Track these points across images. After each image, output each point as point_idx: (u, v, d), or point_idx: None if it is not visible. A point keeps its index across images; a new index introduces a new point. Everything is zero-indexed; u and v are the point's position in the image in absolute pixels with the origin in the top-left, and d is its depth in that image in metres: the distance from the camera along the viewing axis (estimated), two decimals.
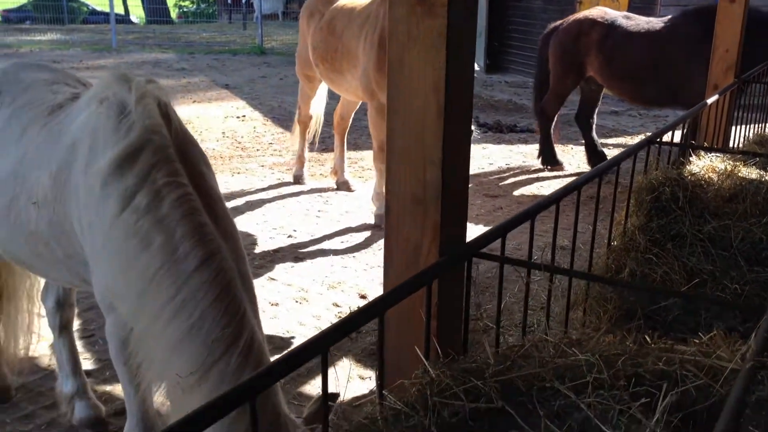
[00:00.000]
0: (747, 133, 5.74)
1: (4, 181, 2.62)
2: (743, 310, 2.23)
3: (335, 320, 4.41)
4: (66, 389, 3.32)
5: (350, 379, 3.78)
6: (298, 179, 7.19)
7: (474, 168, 7.48)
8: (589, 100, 7.90)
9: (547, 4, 14.01)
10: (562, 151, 8.22)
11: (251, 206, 6.54)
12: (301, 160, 7.22)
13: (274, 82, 13.66)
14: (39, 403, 3.50)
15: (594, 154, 7.80)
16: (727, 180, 3.40)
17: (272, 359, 1.83)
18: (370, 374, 3.74)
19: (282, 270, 5.14)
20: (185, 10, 33.19)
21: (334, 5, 6.33)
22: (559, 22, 8.01)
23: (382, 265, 5.41)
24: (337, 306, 4.63)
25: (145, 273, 2.02)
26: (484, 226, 5.91)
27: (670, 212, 3.04)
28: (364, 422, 1.53)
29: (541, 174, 7.89)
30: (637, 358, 1.69)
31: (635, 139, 9.39)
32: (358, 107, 7.13)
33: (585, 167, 7.96)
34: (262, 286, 4.81)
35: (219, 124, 9.80)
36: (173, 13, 31.49)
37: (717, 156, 3.75)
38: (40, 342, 3.76)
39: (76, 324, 3.67)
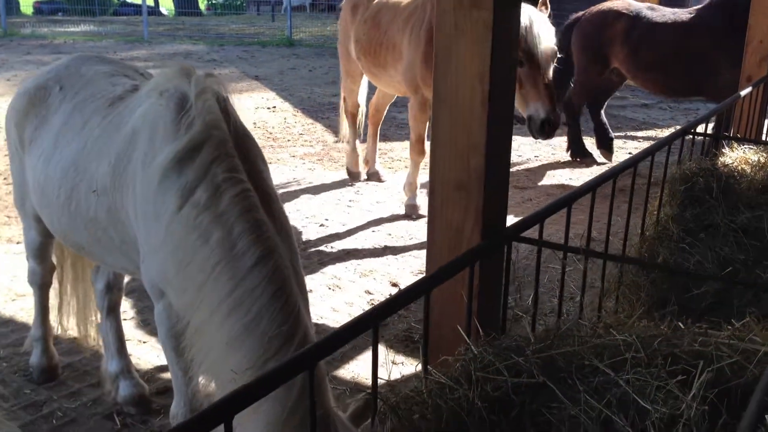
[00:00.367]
0: None
1: (66, 172, 2.70)
2: None
3: (367, 307, 4.51)
4: (111, 368, 3.44)
5: (382, 365, 3.86)
6: (353, 175, 7.04)
7: None
8: (606, 89, 7.92)
9: None
10: (591, 143, 8.22)
11: (283, 196, 6.64)
12: (354, 153, 7.05)
13: (303, 74, 13.76)
14: (85, 382, 3.62)
15: (604, 135, 7.84)
16: (760, 171, 3.43)
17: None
18: (402, 359, 3.82)
19: (315, 258, 5.24)
20: (214, 2, 33.45)
21: None
22: (581, 13, 8.01)
23: (412, 253, 5.49)
24: (369, 293, 4.71)
25: (204, 267, 2.05)
26: (515, 216, 5.96)
27: (704, 202, 3.07)
28: (411, 394, 1.61)
29: (570, 166, 7.90)
30: (672, 339, 1.75)
31: (665, 132, 9.36)
32: (393, 100, 7.13)
33: (615, 160, 7.96)
34: None
35: (250, 114, 9.93)
36: (202, 5, 31.76)
37: (750, 148, 3.77)
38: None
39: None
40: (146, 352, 3.88)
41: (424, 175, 7.30)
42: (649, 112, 11.04)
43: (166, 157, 2.22)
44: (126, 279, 3.62)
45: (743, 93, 4.32)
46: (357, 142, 7.10)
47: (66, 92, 2.94)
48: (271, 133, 8.94)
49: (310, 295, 4.56)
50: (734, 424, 1.37)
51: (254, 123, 9.40)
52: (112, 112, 2.69)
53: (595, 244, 4.14)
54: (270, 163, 8.27)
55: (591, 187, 2.29)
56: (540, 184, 7.26)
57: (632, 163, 2.67)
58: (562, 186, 7.13)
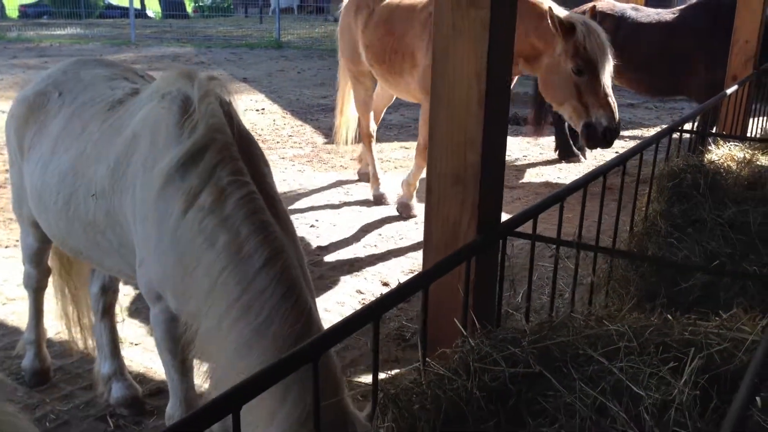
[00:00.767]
0: (764, 124, 5.82)
1: (64, 177, 2.70)
2: (764, 279, 2.33)
3: (359, 306, 4.54)
4: (104, 370, 3.44)
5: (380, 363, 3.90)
6: (379, 199, 6.48)
7: None
8: None
9: None
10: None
11: None
12: (376, 178, 6.54)
13: (292, 76, 13.79)
14: (77, 384, 3.62)
15: (566, 143, 7.94)
16: (746, 168, 3.50)
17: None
18: (396, 357, 3.86)
19: (306, 257, 5.26)
20: (201, 4, 33.39)
21: (387, 1, 5.93)
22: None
23: (403, 253, 5.51)
24: (360, 293, 4.75)
25: (211, 272, 2.04)
26: (505, 214, 6.01)
27: (691, 198, 3.14)
28: (410, 385, 1.65)
29: (558, 165, 7.97)
30: (663, 329, 1.80)
31: (651, 131, 9.45)
32: (392, 102, 6.98)
33: (601, 159, 8.04)
34: None
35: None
36: (189, 8, 31.71)
37: (736, 145, 3.84)
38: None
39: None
40: (138, 353, 3.89)
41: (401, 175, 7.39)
42: (635, 112, 11.16)
43: (169, 161, 2.21)
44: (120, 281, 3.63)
45: (729, 91, 4.39)
46: (377, 165, 6.62)
47: (65, 97, 2.93)
48: (260, 135, 8.95)
49: None
50: (725, 407, 1.41)
51: None
52: (112, 116, 2.68)
53: (586, 242, 4.20)
54: None
55: (582, 183, 2.34)
56: (528, 182, 7.32)
57: (621, 160, 2.72)
58: (550, 185, 7.20)
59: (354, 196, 6.71)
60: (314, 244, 5.56)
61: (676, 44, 7.15)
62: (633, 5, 7.95)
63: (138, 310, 4.34)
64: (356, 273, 5.04)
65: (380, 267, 5.14)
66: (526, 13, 4.91)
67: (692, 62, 7.04)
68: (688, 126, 3.65)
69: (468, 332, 1.81)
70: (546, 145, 8.46)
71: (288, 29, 21.90)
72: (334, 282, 4.87)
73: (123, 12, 25.78)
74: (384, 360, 3.87)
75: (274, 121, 9.80)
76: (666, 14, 7.50)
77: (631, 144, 8.04)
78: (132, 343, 3.98)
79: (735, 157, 3.64)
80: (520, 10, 4.93)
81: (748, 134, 5.41)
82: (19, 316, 4.11)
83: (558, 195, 2.22)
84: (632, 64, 7.40)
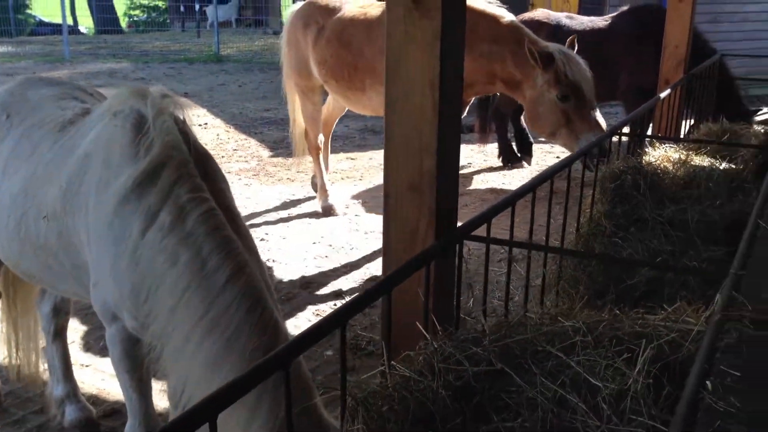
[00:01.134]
0: (696, 125, 6.06)
1: (15, 199, 2.64)
2: (705, 275, 2.45)
3: (313, 318, 4.56)
4: (57, 393, 3.38)
5: (334, 373, 3.94)
6: (328, 210, 6.48)
7: None
8: None
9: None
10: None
11: None
12: (324, 189, 6.55)
13: (233, 89, 13.69)
14: (28, 409, 3.55)
15: (524, 141, 8.11)
16: (681, 168, 3.66)
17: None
18: (354, 365, 3.89)
19: None
20: (135, 19, 32.85)
21: (338, 15, 5.79)
22: None
23: (354, 263, 5.54)
24: (313, 305, 4.76)
25: (174, 290, 2.02)
26: None
27: (632, 199, 3.27)
28: (377, 388, 1.69)
29: (502, 172, 8.14)
30: (614, 324, 1.89)
31: None
32: (344, 113, 6.89)
33: (544, 164, 8.24)
34: None
35: None
36: (123, 23, 31.15)
37: (671, 146, 4.01)
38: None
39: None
40: (89, 375, 3.83)
41: (349, 188, 7.41)
42: None
43: (125, 180, 2.19)
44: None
45: (663, 95, 4.58)
46: (326, 176, 6.65)
47: (12, 120, 2.87)
48: None
49: None
50: (676, 393, 1.50)
51: None
52: (63, 137, 2.64)
53: (536, 243, 4.32)
54: None
55: (531, 187, 2.42)
56: (475, 189, 7.45)
57: (567, 163, 2.83)
58: (495, 191, 7.35)
59: (302, 209, 6.72)
60: (264, 257, 5.54)
61: (608, 50, 7.40)
62: (567, 14, 8.21)
63: (88, 330, 4.27)
64: (309, 285, 5.05)
65: (333, 278, 5.16)
66: (502, 38, 4.91)
67: (622, 68, 7.30)
68: (626, 129, 3.79)
69: (430, 335, 1.86)
70: (490, 152, 8.62)
71: (227, 43, 21.73)
72: (287, 295, 4.88)
73: (55, 29, 25.14)
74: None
75: (217, 135, 9.73)
76: (599, 21, 7.77)
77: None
78: (83, 365, 3.91)
79: (671, 158, 3.79)
80: (496, 33, 5.01)
81: (682, 136, 5.64)
82: None
83: (509, 199, 2.30)
84: None
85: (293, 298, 4.84)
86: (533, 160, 8.28)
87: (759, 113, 7.50)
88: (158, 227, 2.10)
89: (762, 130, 4.83)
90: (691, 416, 1.23)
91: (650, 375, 1.57)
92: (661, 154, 3.84)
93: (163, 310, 2.05)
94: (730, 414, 1.20)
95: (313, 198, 6.97)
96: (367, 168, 8.01)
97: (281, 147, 9.01)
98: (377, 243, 5.79)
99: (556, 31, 7.65)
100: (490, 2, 5.06)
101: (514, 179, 7.80)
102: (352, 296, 1.66)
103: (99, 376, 3.80)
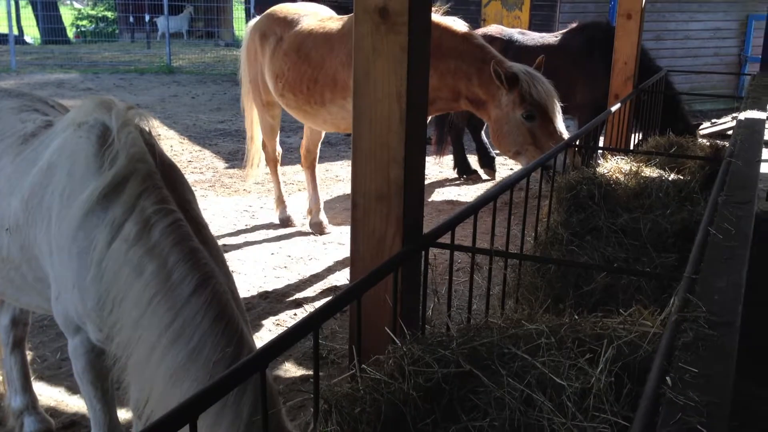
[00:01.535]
0: (640, 138, 6.27)
1: None
2: (662, 279, 2.55)
3: (274, 328, 4.56)
4: (15, 405, 3.33)
5: (294, 382, 3.95)
6: (285, 222, 6.51)
7: None
8: None
9: None
10: (475, 161, 8.62)
11: None
12: (281, 201, 6.57)
13: (186, 101, 13.58)
14: None
15: (485, 154, 8.26)
16: (632, 179, 3.79)
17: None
18: (319, 373, 3.90)
19: None
20: (83, 29, 32.26)
21: (297, 28, 5.68)
22: None
23: (313, 273, 5.55)
24: (274, 315, 4.77)
25: (140, 301, 2.01)
26: None
27: (587, 208, 3.38)
28: (349, 391, 1.72)
29: (457, 183, 8.26)
30: (576, 327, 1.96)
31: None
32: (323, 137, 6.65)
33: (498, 176, 8.39)
34: None
35: None
36: (70, 33, 30.54)
37: (622, 158, 4.15)
38: None
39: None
40: (47, 387, 3.77)
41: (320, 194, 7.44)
42: None
43: (91, 192, 2.18)
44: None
45: (613, 109, 4.74)
46: (281, 188, 6.65)
47: None
48: None
49: None
50: (637, 390, 1.57)
51: None
52: (25, 150, 2.60)
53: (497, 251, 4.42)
54: None
55: (493, 196, 2.49)
56: (431, 201, 7.54)
57: (525, 174, 2.91)
58: (452, 202, 7.45)
59: (260, 220, 6.71)
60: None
61: (559, 66, 7.59)
62: (519, 30, 8.40)
63: (45, 342, 4.20)
64: (268, 295, 5.05)
65: (292, 288, 5.17)
66: (468, 56, 4.87)
67: (572, 83, 7.49)
68: (579, 141, 3.92)
69: (399, 338, 1.91)
70: (444, 164, 8.73)
71: (178, 54, 21.53)
72: (246, 306, 4.86)
73: (0, 38, 24.54)
74: (303, 378, 3.92)
75: (171, 147, 9.63)
76: (549, 38, 7.97)
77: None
78: (41, 376, 3.85)
79: (622, 170, 3.93)
80: (462, 50, 4.98)
81: (632, 148, 5.82)
82: None
83: (472, 208, 2.36)
84: None
85: (253, 308, 4.83)
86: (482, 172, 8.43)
87: (700, 128, 7.80)
88: (123, 239, 2.09)
89: (707, 143, 5.02)
90: (653, 410, 1.30)
91: (612, 374, 1.65)
92: (613, 166, 3.98)
93: (128, 322, 2.04)
94: (689, 407, 1.27)
95: (270, 210, 6.97)
96: (323, 179, 8.04)
97: (237, 158, 8.98)
98: (336, 253, 5.82)
99: (509, 46, 7.83)
100: (455, 20, 5.07)
101: (469, 191, 7.92)
102: (325, 301, 1.69)
103: (57, 388, 3.75)
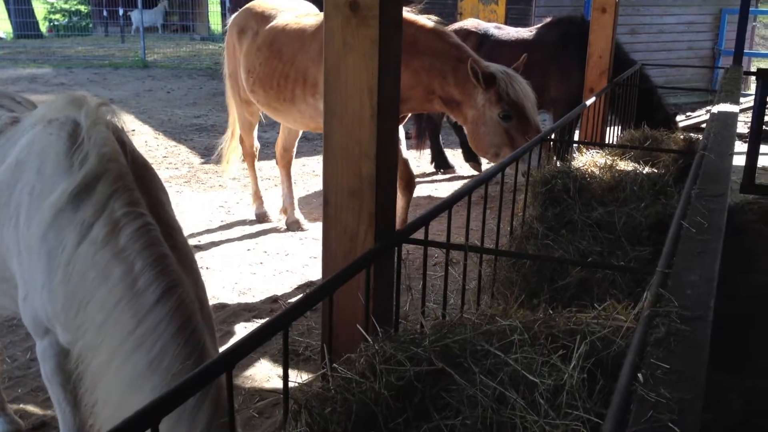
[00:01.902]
0: (617, 133, 6.30)
1: None
2: (633, 272, 2.55)
3: (250, 325, 4.52)
4: None
5: (268, 379, 3.91)
6: (262, 217, 6.47)
7: None
8: None
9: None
10: (452, 155, 8.62)
11: None
12: (258, 196, 6.52)
13: (161, 96, 13.43)
14: None
15: (471, 149, 8.26)
16: (607, 172, 3.80)
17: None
18: (289, 372, 3.87)
19: None
20: (56, 23, 31.79)
21: (272, 24, 5.58)
22: None
23: (290, 269, 5.51)
24: (250, 311, 4.72)
25: (104, 306, 1.97)
26: None
27: (562, 202, 3.37)
28: (320, 391, 1.70)
29: (434, 177, 8.25)
30: (549, 322, 1.95)
31: None
32: (300, 136, 6.54)
33: (470, 171, 8.39)
34: None
35: None
36: (43, 27, 30.08)
37: (597, 152, 4.16)
38: None
39: None
40: (17, 387, 3.71)
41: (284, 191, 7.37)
42: None
43: (61, 192, 2.13)
44: None
45: (588, 103, 4.74)
46: (258, 184, 6.57)
47: None
48: None
49: None
50: (610, 387, 1.56)
51: None
52: None
53: (472, 246, 4.41)
54: None
55: (467, 191, 2.47)
56: None
57: (500, 168, 2.90)
58: (429, 197, 7.43)
59: (236, 215, 6.66)
60: (200, 265, 5.44)
61: (535, 60, 7.59)
62: (496, 24, 8.40)
63: (14, 342, 4.13)
64: (244, 292, 5.00)
65: (269, 284, 5.13)
66: (444, 54, 4.77)
67: (547, 77, 7.50)
68: (555, 135, 3.91)
69: (371, 336, 1.88)
70: (423, 158, 8.72)
71: (153, 48, 21.29)
72: (223, 303, 4.82)
73: None
74: (276, 375, 3.88)
75: (146, 142, 9.52)
76: (524, 32, 7.98)
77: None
78: (10, 378, 3.78)
79: (597, 163, 3.93)
80: (437, 48, 4.89)
81: (608, 141, 5.84)
82: None
83: (446, 203, 2.34)
84: None
85: (228, 305, 4.78)
86: (460, 165, 8.41)
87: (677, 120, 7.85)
88: (91, 241, 2.05)
89: (681, 137, 5.05)
90: (625, 407, 1.29)
91: (584, 370, 1.63)
92: (588, 159, 3.98)
93: (92, 326, 2.00)
94: (661, 404, 1.26)
95: (246, 205, 6.91)
96: (300, 174, 7.99)
97: (212, 153, 8.87)
98: (312, 248, 5.78)
99: (484, 40, 7.82)
100: (430, 18, 5.00)
101: (448, 186, 7.91)
102: (294, 300, 1.66)
103: (27, 388, 3.68)
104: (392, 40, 1.88)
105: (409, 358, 1.76)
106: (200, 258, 5.58)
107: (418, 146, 8.37)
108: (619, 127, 6.32)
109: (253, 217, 6.51)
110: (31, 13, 27.27)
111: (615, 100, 6.07)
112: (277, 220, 6.47)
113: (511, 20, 11.73)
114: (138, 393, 1.86)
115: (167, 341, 1.88)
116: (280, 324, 1.54)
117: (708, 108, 10.19)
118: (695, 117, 11.25)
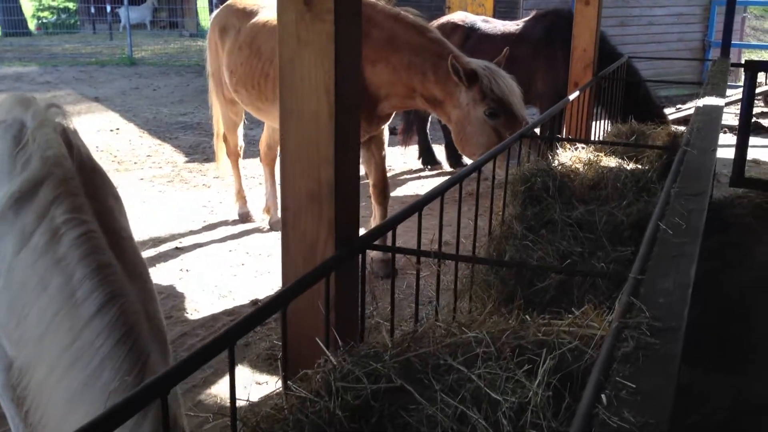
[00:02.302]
0: (605, 127, 6.21)
1: None
2: (611, 278, 2.45)
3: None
4: None
5: (245, 386, 3.81)
6: (244, 217, 6.37)
7: None
8: None
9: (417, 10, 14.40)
10: (440, 151, 8.51)
11: (134, 221, 6.35)
12: (241, 196, 6.40)
13: (147, 93, 13.29)
14: None
15: (455, 151, 8.16)
16: (591, 169, 3.70)
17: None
18: (267, 378, 3.78)
19: (170, 281, 5.08)
20: (44, 21, 31.54)
21: (253, 21, 5.39)
22: None
23: (272, 270, 5.41)
24: (230, 315, 4.62)
25: (43, 318, 1.89)
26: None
27: (542, 201, 3.27)
28: (271, 412, 1.60)
29: (421, 174, 8.15)
30: (519, 332, 1.85)
31: None
32: None
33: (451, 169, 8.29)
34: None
35: (91, 138, 9.43)
36: (31, 25, 29.83)
37: (582, 148, 4.06)
38: None
39: None
40: None
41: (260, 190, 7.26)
42: None
43: (1, 198, 2.04)
44: None
45: (572, 97, 4.64)
46: (242, 183, 6.48)
47: None
48: (116, 157, 8.56)
49: (167, 321, 4.45)
50: (577, 405, 1.46)
51: (97, 147, 8.96)
52: None
53: (449, 248, 4.29)
54: (117, 187, 7.92)
55: (439, 191, 2.38)
56: (394, 194, 7.41)
57: (477, 166, 2.80)
58: (417, 195, 7.33)
59: (218, 215, 6.55)
60: (179, 267, 5.36)
61: (521, 54, 7.49)
62: (483, 17, 8.28)
63: None
64: (225, 295, 4.90)
65: (249, 286, 5.03)
66: (423, 50, 4.57)
67: (533, 71, 7.40)
68: (536, 131, 3.81)
69: (331, 350, 1.79)
70: (408, 154, 8.61)
71: (141, 45, 21.12)
72: (201, 305, 4.72)
73: None
74: (254, 382, 3.78)
75: (130, 141, 9.40)
76: (510, 26, 7.87)
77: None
78: None
79: (581, 159, 3.84)
80: (416, 44, 4.70)
81: (593, 137, 5.75)
82: None
83: (415, 205, 2.24)
84: None
85: (208, 307, 4.69)
86: (446, 163, 8.31)
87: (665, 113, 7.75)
88: (32, 249, 1.95)
89: (666, 132, 4.96)
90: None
91: (550, 387, 1.54)
92: (572, 156, 3.88)
93: (31, 338, 1.91)
94: (623, 429, 1.17)
95: (230, 206, 6.80)
96: None
97: (197, 152, 8.79)
98: None
99: (470, 34, 7.72)
100: (411, 12, 4.81)
101: (434, 181, 7.81)
102: (244, 315, 1.56)
103: None
104: (350, 35, 1.78)
105: (368, 375, 1.66)
106: (181, 260, 5.48)
107: (405, 141, 8.27)
108: (607, 122, 6.23)
109: (236, 217, 6.40)
110: (19, 10, 27.04)
111: (601, 94, 5.97)
112: (261, 219, 6.37)
113: (499, 13, 11.62)
114: (76, 410, 1.75)
115: (105, 355, 1.77)
116: (224, 342, 1.44)
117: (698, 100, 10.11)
118: (685, 110, 11.16)
